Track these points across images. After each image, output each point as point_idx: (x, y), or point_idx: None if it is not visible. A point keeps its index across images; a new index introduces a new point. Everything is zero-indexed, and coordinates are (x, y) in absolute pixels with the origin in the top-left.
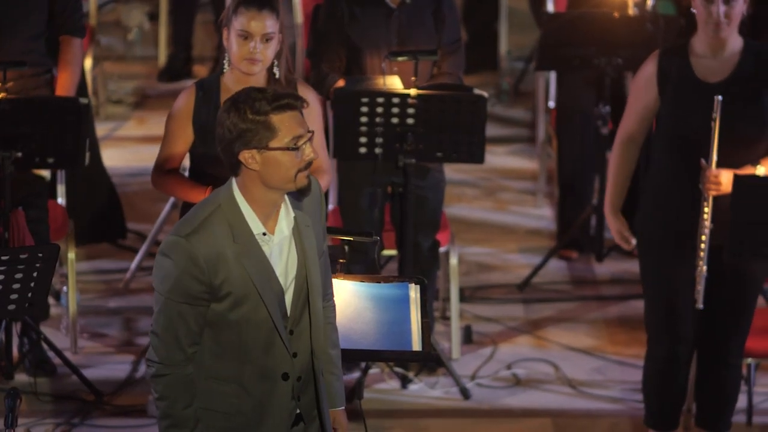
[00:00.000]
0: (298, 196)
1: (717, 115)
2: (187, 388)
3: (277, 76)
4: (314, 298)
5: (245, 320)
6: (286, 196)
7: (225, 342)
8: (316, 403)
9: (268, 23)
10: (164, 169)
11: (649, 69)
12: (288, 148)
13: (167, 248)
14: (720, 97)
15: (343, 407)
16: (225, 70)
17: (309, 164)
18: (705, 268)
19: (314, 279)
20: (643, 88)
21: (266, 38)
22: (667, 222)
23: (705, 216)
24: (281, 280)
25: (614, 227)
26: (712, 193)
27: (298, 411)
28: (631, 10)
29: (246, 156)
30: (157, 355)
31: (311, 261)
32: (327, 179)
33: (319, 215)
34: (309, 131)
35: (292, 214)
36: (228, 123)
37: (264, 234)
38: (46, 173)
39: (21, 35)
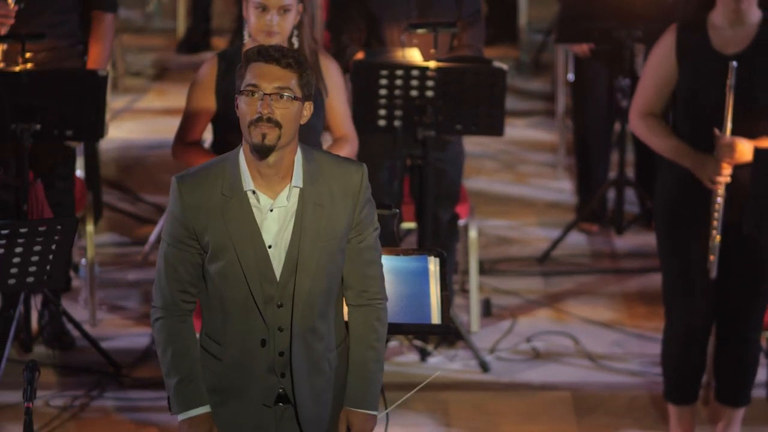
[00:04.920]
0: (257, 157)
1: (731, 82)
2: (177, 335)
3: (296, 47)
4: (301, 279)
5: (223, 275)
6: (300, 168)
7: (212, 296)
8: (291, 386)
9: None
10: (185, 141)
11: (667, 42)
12: (240, 92)
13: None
14: (735, 63)
15: (363, 411)
16: (246, 41)
17: (260, 120)
18: (719, 237)
19: (306, 259)
20: (661, 61)
21: (283, 10)
22: (685, 196)
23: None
24: (275, 249)
25: (702, 168)
26: (727, 161)
27: (282, 389)
28: None
29: (236, 101)
30: (154, 299)
31: (307, 240)
32: (350, 149)
33: (351, 204)
34: (278, 89)
35: (298, 186)
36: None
37: (254, 193)
38: (73, 144)
39: (53, 7)
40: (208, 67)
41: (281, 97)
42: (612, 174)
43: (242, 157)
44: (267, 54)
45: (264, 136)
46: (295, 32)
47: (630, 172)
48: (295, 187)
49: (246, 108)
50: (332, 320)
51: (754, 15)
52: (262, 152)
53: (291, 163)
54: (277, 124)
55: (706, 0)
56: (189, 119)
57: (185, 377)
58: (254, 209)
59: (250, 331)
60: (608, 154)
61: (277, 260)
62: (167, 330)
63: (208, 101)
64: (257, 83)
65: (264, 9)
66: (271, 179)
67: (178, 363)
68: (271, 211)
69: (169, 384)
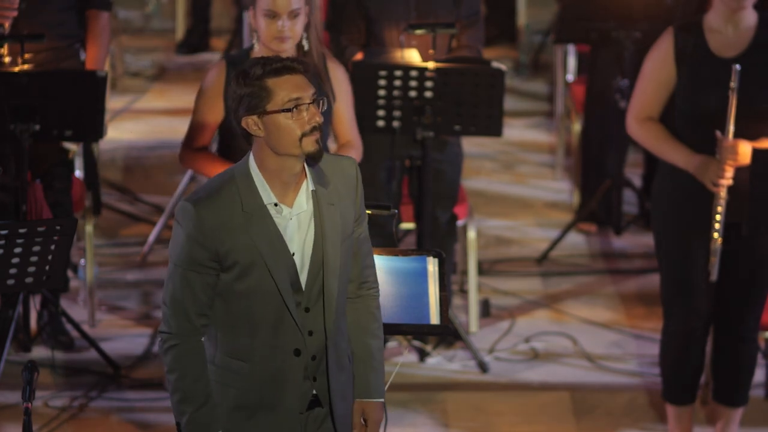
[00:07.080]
0: (312, 163)
1: (735, 85)
2: (196, 360)
3: (306, 48)
4: (329, 280)
5: (252, 291)
6: (308, 170)
7: (236, 314)
8: (327, 387)
9: (293, 0)
10: (193, 147)
11: (664, 46)
12: (284, 110)
13: (177, 214)
14: (738, 66)
15: (378, 400)
16: (255, 49)
17: (315, 129)
18: (720, 240)
19: (331, 260)
20: (659, 65)
21: (293, 15)
22: (683, 198)
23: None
24: (297, 255)
25: (704, 171)
26: (730, 164)
27: (314, 393)
28: None
29: (249, 122)
30: (165, 326)
31: (329, 241)
32: (356, 154)
33: (353, 197)
34: (313, 95)
35: (312, 189)
36: (231, 93)
37: (276, 205)
38: (73, 146)
39: (51, 7)
40: (216, 73)
41: (316, 102)
42: None
43: (254, 170)
44: (289, 67)
45: (318, 141)
46: (305, 35)
47: (629, 173)
48: (311, 190)
49: (293, 122)
50: (343, 315)
51: (750, 17)
52: (318, 158)
53: (303, 167)
54: (321, 129)
55: (706, 1)
56: (197, 126)
57: (203, 403)
58: (275, 219)
59: (282, 342)
60: (614, 156)
61: (301, 265)
62: (186, 357)
63: (217, 108)
64: (299, 96)
65: (274, 16)
66: (289, 187)
67: (194, 390)
68: (290, 219)
69: (183, 410)
